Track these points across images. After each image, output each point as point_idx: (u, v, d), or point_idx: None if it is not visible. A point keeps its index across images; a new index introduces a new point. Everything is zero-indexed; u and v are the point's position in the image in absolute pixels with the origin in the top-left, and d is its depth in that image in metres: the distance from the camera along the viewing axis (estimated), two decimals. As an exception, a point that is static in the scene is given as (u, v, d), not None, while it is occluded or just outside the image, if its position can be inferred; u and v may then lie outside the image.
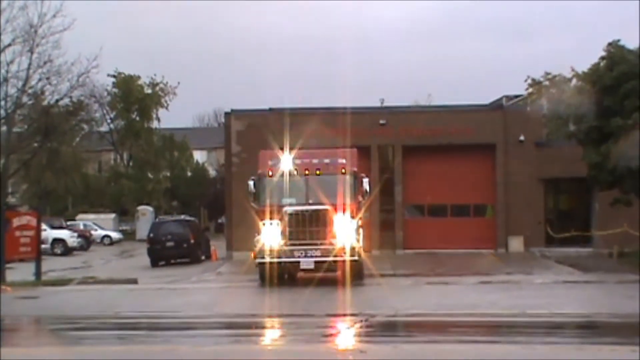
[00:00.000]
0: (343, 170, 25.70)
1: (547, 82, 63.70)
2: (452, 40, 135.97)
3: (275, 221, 24.96)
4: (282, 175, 25.75)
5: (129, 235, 68.33)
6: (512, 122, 41.79)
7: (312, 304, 20.49)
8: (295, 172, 25.69)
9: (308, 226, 24.91)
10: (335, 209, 24.87)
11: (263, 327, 18.12)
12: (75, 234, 54.49)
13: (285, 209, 25.14)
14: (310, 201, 25.44)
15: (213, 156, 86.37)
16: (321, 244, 24.79)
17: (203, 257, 42.16)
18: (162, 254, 40.93)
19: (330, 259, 24.60)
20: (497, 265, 33.80)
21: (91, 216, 69.39)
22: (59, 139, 60.55)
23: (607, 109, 30.77)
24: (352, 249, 24.58)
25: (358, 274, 25.33)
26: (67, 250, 50.68)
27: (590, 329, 17.35)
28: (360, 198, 25.86)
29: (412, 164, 41.96)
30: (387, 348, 14.15)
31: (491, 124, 41.87)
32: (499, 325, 17.78)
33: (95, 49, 66.19)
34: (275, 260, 24.82)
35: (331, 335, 16.24)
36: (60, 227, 56.39)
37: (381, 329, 17.48)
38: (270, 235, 24.88)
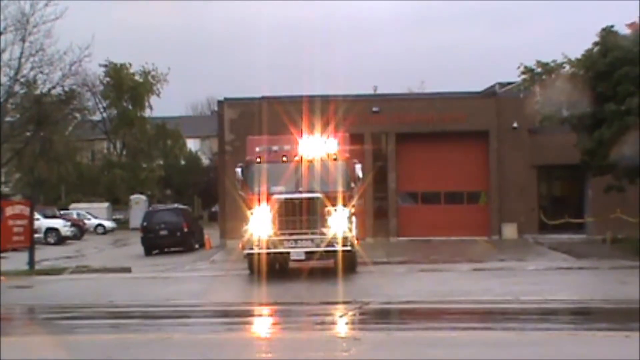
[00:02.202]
0: (334, 157, 24.54)
1: (539, 69, 63.73)
2: (444, 28, 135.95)
3: (264, 210, 23.77)
4: (271, 162, 24.62)
5: (122, 224, 68.33)
6: (505, 109, 41.74)
7: (306, 291, 20.50)
8: (284, 159, 24.49)
9: (298, 215, 23.68)
10: (327, 197, 23.71)
11: (257, 315, 18.14)
12: (69, 223, 54.39)
13: (274, 197, 23.91)
14: (300, 189, 24.25)
15: (206, 144, 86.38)
16: (312, 234, 23.57)
17: (196, 246, 42.09)
18: (156, 242, 40.86)
19: (322, 249, 23.47)
20: (490, 252, 33.82)
21: (84, 205, 69.27)
22: (52, 128, 60.33)
23: (601, 95, 30.72)
24: (345, 238, 23.44)
25: (351, 264, 24.62)
26: (61, 240, 50.60)
27: (584, 315, 17.40)
28: (352, 185, 24.69)
29: (406, 151, 41.90)
30: (381, 335, 14.21)
31: (484, 111, 41.81)
32: (493, 312, 17.82)
33: (87, 37, 65.79)
34: (264, 251, 23.60)
35: (325, 322, 16.25)
36: (54, 216, 56.29)
37: (375, 317, 17.52)
38: (259, 225, 23.69)
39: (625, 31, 32.44)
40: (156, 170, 76.89)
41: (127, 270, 30.62)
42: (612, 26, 32.49)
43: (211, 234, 43.80)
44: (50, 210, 59.74)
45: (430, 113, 41.31)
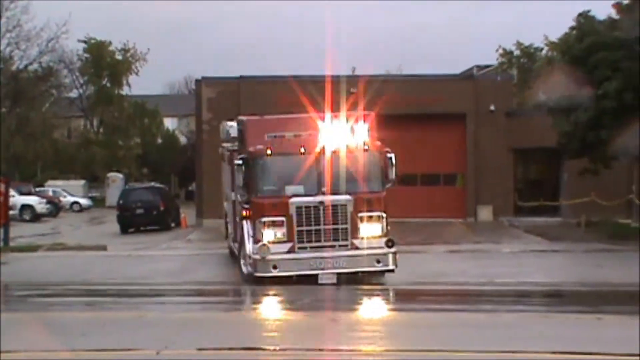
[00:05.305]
0: (366, 146, 19.42)
1: (518, 52, 63.98)
2: (422, 9, 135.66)
3: (278, 219, 18.52)
4: (284, 154, 18.86)
5: (98, 202, 67.99)
6: (482, 91, 41.83)
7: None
8: (302, 150, 18.77)
9: (324, 224, 18.50)
10: (358, 200, 18.66)
11: (231, 295, 18.18)
12: (44, 200, 54.05)
13: (291, 201, 18.53)
14: (324, 189, 18.68)
15: (184, 123, 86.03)
16: (341, 248, 18.51)
17: (173, 225, 42.05)
18: (132, 221, 40.79)
19: (359, 269, 18.65)
20: (466, 235, 34.00)
21: (60, 182, 68.83)
22: (28, 105, 60.12)
23: (577, 79, 30.86)
24: (385, 255, 18.67)
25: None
26: (36, 217, 50.30)
27: (557, 298, 17.59)
28: (387, 182, 19.58)
29: (383, 133, 41.85)
30: (356, 315, 14.29)
31: (462, 93, 41.86)
32: (467, 294, 17.97)
33: (65, 14, 65.21)
34: (284, 273, 18.27)
35: (296, 302, 16.31)
36: (29, 193, 55.88)
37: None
38: (273, 239, 18.40)
39: (610, 11, 32.50)
40: (134, 148, 76.61)
41: (103, 248, 30.53)
42: (588, 11, 32.58)
43: (188, 213, 43.77)
44: (26, 187, 59.32)
45: (408, 95, 41.23)
